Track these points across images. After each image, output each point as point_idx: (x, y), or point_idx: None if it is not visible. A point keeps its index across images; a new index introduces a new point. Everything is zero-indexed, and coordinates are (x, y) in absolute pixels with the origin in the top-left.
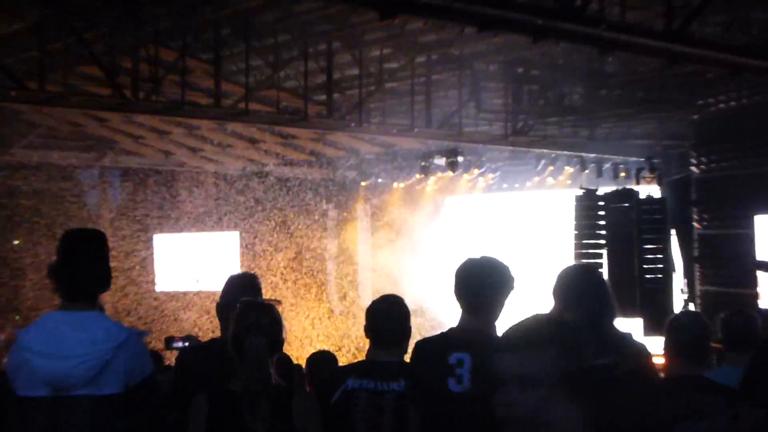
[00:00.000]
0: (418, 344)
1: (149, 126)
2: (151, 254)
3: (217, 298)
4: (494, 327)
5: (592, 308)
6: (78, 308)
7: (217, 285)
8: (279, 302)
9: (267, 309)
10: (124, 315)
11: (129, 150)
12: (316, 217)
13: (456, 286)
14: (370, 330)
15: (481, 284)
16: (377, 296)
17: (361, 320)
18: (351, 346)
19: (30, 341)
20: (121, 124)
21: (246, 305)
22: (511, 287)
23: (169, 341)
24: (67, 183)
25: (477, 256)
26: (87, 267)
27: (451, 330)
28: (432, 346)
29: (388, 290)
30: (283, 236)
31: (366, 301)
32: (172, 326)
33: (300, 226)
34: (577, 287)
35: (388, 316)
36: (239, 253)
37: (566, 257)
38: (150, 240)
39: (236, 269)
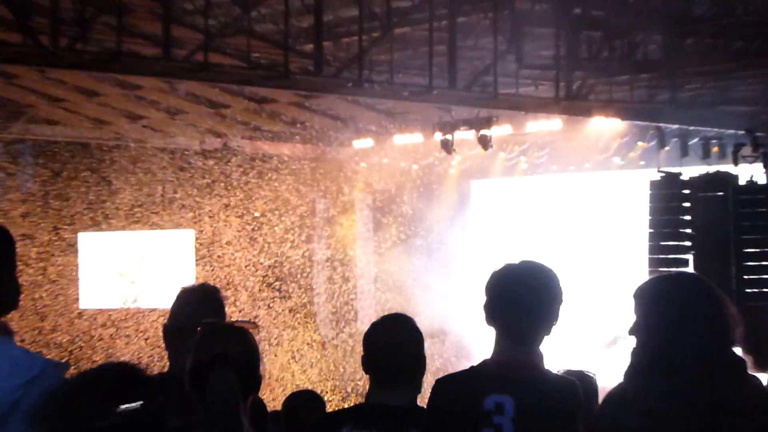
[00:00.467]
0: (441, 383)
1: (73, 85)
2: (75, 260)
3: (165, 318)
4: (541, 357)
5: (701, 335)
6: None
7: (165, 301)
8: (255, 326)
9: (239, 335)
10: (38, 341)
11: (45, 117)
12: (300, 211)
13: (489, 302)
14: (369, 363)
15: (526, 300)
16: (382, 315)
17: (360, 350)
18: (347, 386)
19: None
20: (34, 82)
21: (211, 329)
22: (561, 302)
23: None
24: None
25: (516, 261)
26: None
27: (485, 363)
28: (460, 385)
29: (397, 308)
30: (255, 236)
31: (367, 319)
32: (102, 356)
33: (277, 223)
34: (679, 304)
35: (393, 343)
36: (194, 258)
37: (637, 263)
38: (73, 241)
39: (190, 280)
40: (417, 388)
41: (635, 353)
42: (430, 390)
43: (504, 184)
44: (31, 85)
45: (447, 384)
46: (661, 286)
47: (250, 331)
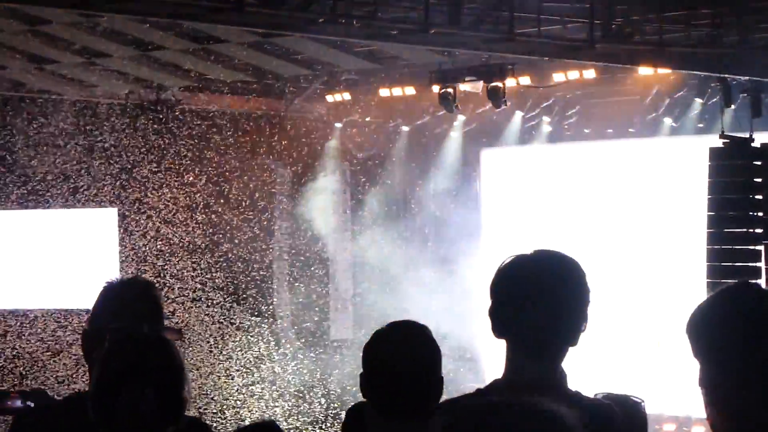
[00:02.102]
0: (448, 411)
1: None
2: None
3: (85, 322)
4: (564, 375)
5: None
6: None
7: (85, 300)
8: (178, 332)
9: (157, 344)
10: None
11: None
12: (255, 183)
13: (497, 307)
14: (370, 387)
15: (543, 302)
16: (363, 317)
17: (337, 359)
18: (315, 412)
19: None
20: None
21: (120, 337)
22: (588, 302)
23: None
24: None
25: (531, 251)
26: None
27: (495, 384)
28: (470, 413)
29: (385, 306)
30: (198, 215)
31: (342, 323)
32: (5, 371)
33: (226, 199)
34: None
35: (403, 362)
36: (118, 244)
37: (692, 257)
38: None
39: (114, 273)
40: (429, 414)
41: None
42: None
43: (521, 153)
44: None
45: (457, 413)
46: (720, 312)
47: (172, 339)
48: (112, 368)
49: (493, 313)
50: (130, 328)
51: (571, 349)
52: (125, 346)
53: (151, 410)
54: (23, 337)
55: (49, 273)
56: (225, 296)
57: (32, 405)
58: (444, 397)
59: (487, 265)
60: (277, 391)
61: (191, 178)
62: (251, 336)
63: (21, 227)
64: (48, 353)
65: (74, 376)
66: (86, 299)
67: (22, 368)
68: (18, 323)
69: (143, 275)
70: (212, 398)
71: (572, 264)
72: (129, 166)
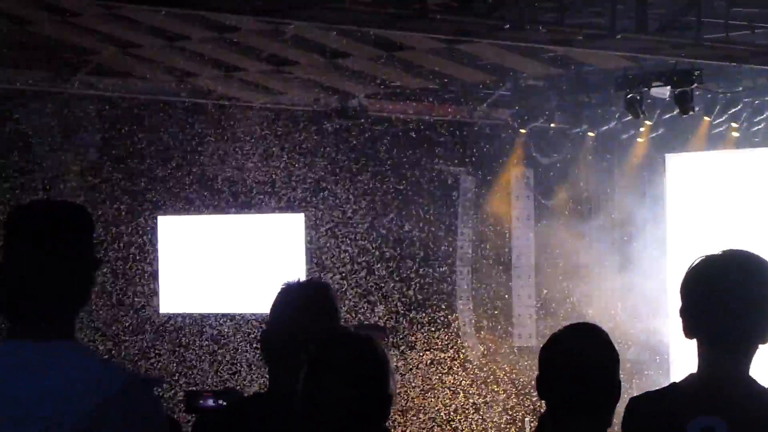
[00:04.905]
0: (636, 403)
1: (149, 26)
2: (151, 248)
3: (264, 324)
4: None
5: None
6: (39, 336)
7: (264, 303)
8: (383, 330)
9: (362, 343)
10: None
11: (109, 67)
12: (440, 191)
13: (688, 306)
14: (547, 387)
15: (735, 299)
16: (548, 322)
17: (518, 365)
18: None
19: None
20: (99, 22)
21: (328, 335)
22: None
23: (193, 398)
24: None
25: (720, 251)
26: (53, 266)
27: (689, 379)
28: (659, 406)
29: (568, 312)
30: (382, 222)
31: (525, 331)
32: (191, 373)
33: (411, 206)
34: None
35: (579, 363)
36: (304, 248)
37: None
38: (149, 224)
39: (298, 275)
40: (607, 423)
41: None
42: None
43: (709, 159)
44: (94, 25)
45: (643, 404)
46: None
47: (378, 338)
48: (321, 367)
49: (685, 312)
50: (337, 326)
51: (761, 346)
52: (333, 343)
53: (358, 405)
54: (205, 340)
55: (234, 278)
56: (408, 302)
57: (224, 404)
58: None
59: (674, 269)
60: (458, 395)
61: (376, 186)
62: (433, 341)
63: (206, 232)
64: (226, 356)
65: (250, 378)
66: (265, 301)
67: (204, 371)
68: (201, 327)
69: (326, 280)
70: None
71: (762, 262)
72: (315, 173)
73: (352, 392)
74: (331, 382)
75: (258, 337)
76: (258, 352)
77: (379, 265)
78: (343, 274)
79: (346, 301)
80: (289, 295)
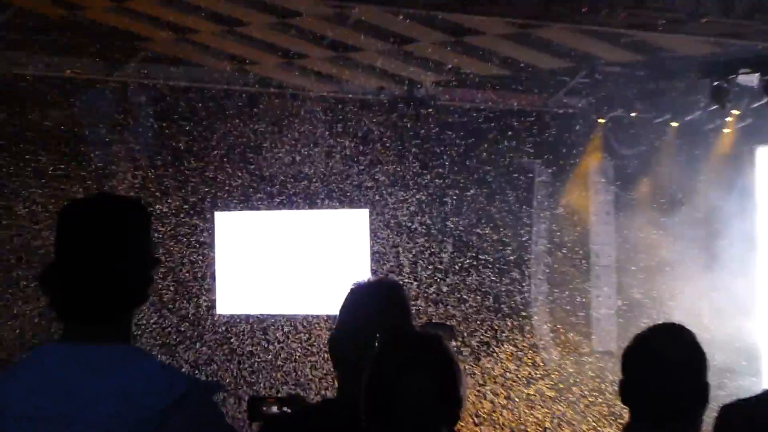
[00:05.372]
0: (727, 412)
1: (206, 10)
2: (208, 246)
3: (331, 326)
4: None
5: None
6: (95, 339)
7: (327, 303)
8: (451, 330)
9: (432, 340)
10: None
11: (164, 54)
12: (514, 184)
13: None
14: (630, 392)
15: None
16: (630, 324)
17: (599, 371)
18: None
19: (11, 396)
20: (152, 6)
21: (393, 336)
22: None
23: (257, 405)
24: (55, 113)
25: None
26: (109, 265)
27: None
28: (754, 414)
29: (650, 313)
30: (451, 219)
31: (605, 332)
32: (252, 378)
33: (482, 202)
34: None
35: (666, 365)
36: (369, 246)
37: None
38: (206, 221)
39: (364, 275)
40: (695, 430)
41: None
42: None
43: None
44: (148, 10)
45: (737, 413)
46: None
47: (446, 337)
48: (388, 363)
49: None
50: (403, 326)
51: None
52: (401, 342)
53: (429, 406)
54: (265, 342)
55: (295, 278)
56: (479, 306)
57: (289, 411)
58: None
59: (763, 266)
60: (535, 406)
61: (445, 180)
62: (507, 348)
63: (265, 229)
64: (289, 360)
65: (319, 382)
66: (332, 302)
67: (265, 376)
68: (260, 328)
69: (393, 277)
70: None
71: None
72: (380, 166)
73: (419, 392)
74: (398, 382)
75: (325, 341)
76: (324, 356)
77: (448, 265)
78: (410, 275)
79: (412, 304)
80: (359, 295)
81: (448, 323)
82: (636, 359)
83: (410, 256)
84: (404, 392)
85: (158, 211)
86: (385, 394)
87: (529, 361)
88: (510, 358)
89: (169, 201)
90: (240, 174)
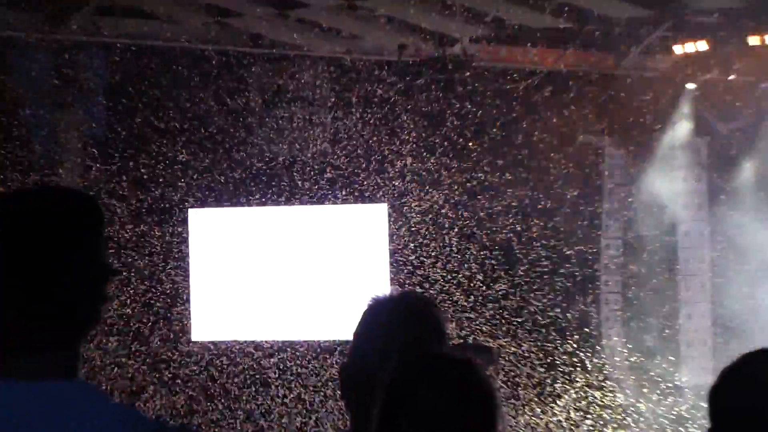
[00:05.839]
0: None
1: None
2: (181, 254)
3: (345, 352)
4: None
5: None
6: (32, 374)
7: (340, 326)
8: (488, 353)
9: (462, 367)
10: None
11: (119, 5)
12: (574, 165)
13: None
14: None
15: None
16: (729, 347)
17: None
18: None
19: None
20: None
21: (411, 360)
22: None
23: None
24: None
25: None
26: (47, 280)
27: None
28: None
29: (754, 333)
30: (495, 211)
31: (698, 361)
32: (235, 419)
33: (534, 190)
34: None
35: (757, 414)
36: (388, 249)
37: None
38: (177, 219)
39: (384, 288)
40: None
41: None
42: None
43: None
44: None
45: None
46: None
47: (482, 363)
48: (403, 397)
49: None
50: (425, 345)
51: None
52: (421, 367)
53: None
54: (255, 378)
55: (293, 294)
56: (530, 322)
57: None
58: None
59: None
60: None
61: (485, 162)
62: (567, 376)
63: (255, 230)
64: (292, 397)
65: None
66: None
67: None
68: (250, 359)
69: (418, 289)
70: None
71: None
72: (402, 147)
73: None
74: (417, 423)
75: (336, 372)
76: (332, 390)
77: (489, 270)
78: (441, 283)
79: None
80: (379, 314)
81: (487, 345)
82: (723, 402)
83: (438, 263)
84: (422, 400)
85: (116, 208)
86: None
87: (599, 399)
88: (571, 390)
89: (129, 196)
90: (221, 160)
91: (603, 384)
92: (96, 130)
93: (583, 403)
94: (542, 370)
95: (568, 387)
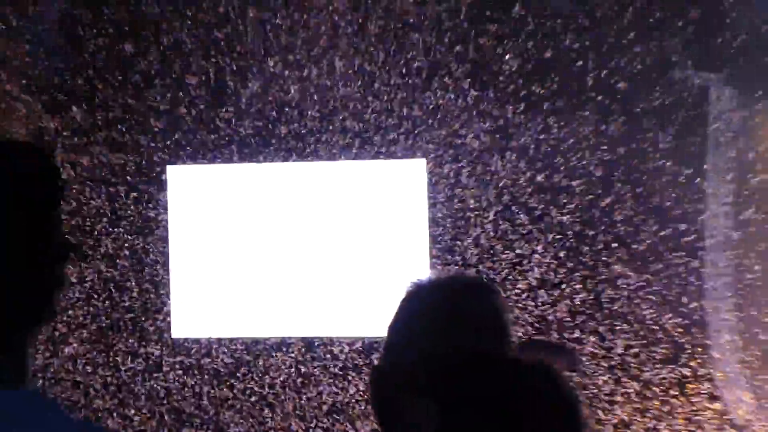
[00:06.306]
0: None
1: None
2: (159, 224)
3: (380, 351)
4: None
5: None
6: None
7: (369, 321)
8: (571, 355)
9: (542, 377)
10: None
11: None
12: (662, 115)
13: None
14: None
15: None
16: None
17: None
18: None
19: None
20: None
21: (470, 364)
22: None
23: None
24: None
25: None
26: None
27: None
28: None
29: None
30: (557, 168)
31: None
32: None
33: (610, 139)
34: None
35: None
36: (426, 218)
37: None
38: (152, 181)
39: (425, 269)
40: None
41: None
42: None
43: None
44: None
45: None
46: None
47: (561, 366)
48: (459, 410)
49: None
50: (483, 344)
51: None
52: (483, 373)
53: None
54: (253, 384)
55: (309, 276)
56: (608, 311)
57: None
58: None
59: None
60: None
61: (544, 104)
62: (663, 387)
63: (257, 192)
64: (299, 406)
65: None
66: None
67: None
68: (245, 361)
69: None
70: None
71: None
72: (438, 88)
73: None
74: None
75: (368, 377)
76: (358, 398)
77: (557, 247)
78: (500, 262)
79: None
80: (420, 303)
81: (565, 344)
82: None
83: (492, 235)
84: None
85: (79, 168)
86: None
87: (705, 421)
88: (669, 406)
89: (93, 151)
90: (207, 105)
91: (712, 399)
92: (49, 74)
93: (684, 421)
94: (632, 370)
95: (662, 386)
